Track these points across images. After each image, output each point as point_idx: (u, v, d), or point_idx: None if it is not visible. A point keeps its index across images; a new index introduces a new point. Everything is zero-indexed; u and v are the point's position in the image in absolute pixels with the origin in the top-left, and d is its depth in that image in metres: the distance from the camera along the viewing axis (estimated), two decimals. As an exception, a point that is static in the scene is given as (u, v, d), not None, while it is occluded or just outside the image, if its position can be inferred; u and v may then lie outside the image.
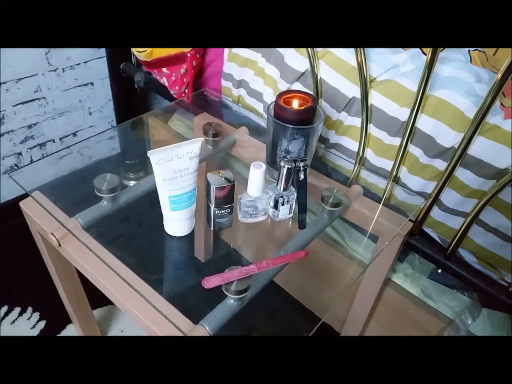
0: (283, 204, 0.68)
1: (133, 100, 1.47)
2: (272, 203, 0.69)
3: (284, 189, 0.67)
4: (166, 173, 0.58)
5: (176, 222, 0.65)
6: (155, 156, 0.56)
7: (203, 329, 0.55)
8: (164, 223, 0.67)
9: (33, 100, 1.26)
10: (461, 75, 0.76)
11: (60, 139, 1.39)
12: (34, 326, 1.11)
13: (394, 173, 0.82)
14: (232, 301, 0.57)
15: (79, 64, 1.31)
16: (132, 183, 0.77)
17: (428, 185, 0.79)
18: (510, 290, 0.75)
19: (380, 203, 0.82)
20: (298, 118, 0.67)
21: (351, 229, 1.01)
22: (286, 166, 0.64)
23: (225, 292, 0.56)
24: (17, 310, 1.14)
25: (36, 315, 1.13)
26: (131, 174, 1.00)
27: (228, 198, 0.65)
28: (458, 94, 0.72)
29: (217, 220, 0.67)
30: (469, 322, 0.86)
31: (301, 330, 0.61)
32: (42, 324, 1.12)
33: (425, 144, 0.76)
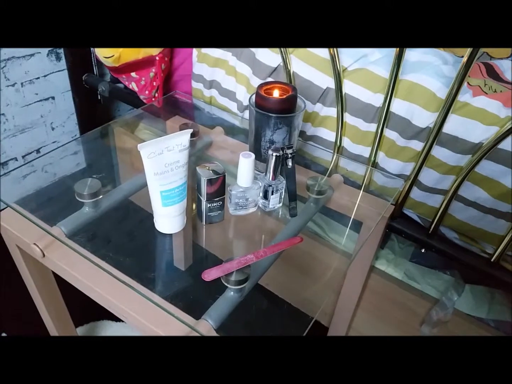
0: (272, 194, 0.69)
1: (96, 113, 1.43)
2: (261, 194, 0.69)
3: (273, 178, 0.67)
4: (157, 167, 0.57)
5: (168, 219, 0.63)
6: (145, 149, 0.55)
7: (206, 323, 0.54)
8: (155, 220, 0.65)
9: (-8, 117, 1.20)
10: (428, 58, 0.79)
11: (23, 156, 1.33)
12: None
13: (372, 158, 0.84)
14: (232, 292, 0.57)
15: (38, 78, 1.26)
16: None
17: (406, 167, 0.81)
18: (492, 260, 0.78)
19: (361, 190, 0.84)
20: (281, 107, 0.68)
21: (331, 221, 1.02)
22: (274, 155, 0.64)
23: (225, 283, 0.56)
24: (-10, 338, 1.07)
25: (12, 342, 1.06)
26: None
27: (219, 191, 0.64)
28: (429, 76, 0.75)
29: (209, 214, 0.66)
30: (455, 299, 0.89)
31: (292, 331, 0.60)
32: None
33: (401, 127, 0.78)
